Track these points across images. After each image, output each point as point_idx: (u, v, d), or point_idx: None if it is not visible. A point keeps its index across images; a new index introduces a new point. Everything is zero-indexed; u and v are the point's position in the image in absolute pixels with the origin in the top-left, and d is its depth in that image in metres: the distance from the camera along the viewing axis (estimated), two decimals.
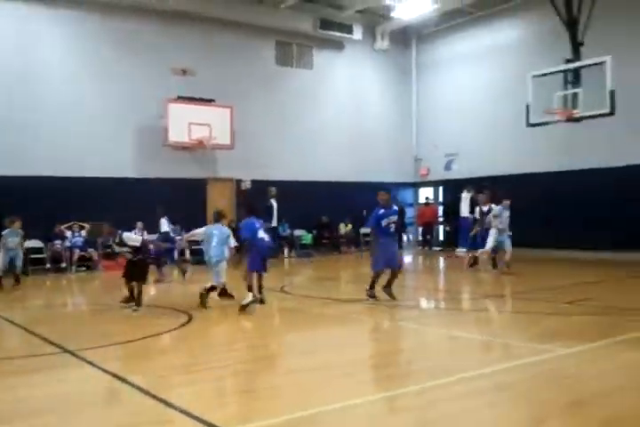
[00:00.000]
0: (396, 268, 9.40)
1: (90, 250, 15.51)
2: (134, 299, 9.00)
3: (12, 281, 12.05)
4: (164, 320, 8.11)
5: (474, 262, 14.06)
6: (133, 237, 9.19)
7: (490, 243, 12.83)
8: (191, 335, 7.44)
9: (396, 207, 9.64)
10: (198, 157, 18.24)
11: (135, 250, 9.05)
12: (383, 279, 9.35)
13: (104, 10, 16.91)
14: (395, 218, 9.41)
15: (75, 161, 16.18)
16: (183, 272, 13.10)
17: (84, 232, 15.61)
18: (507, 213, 12.87)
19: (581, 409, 4.35)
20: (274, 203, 16.54)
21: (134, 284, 9.04)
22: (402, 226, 21.75)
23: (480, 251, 13.36)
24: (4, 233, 12.25)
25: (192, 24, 18.25)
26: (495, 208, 13.07)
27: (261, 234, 9.05)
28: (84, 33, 16.75)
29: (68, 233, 15.52)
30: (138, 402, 4.76)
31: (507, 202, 12.94)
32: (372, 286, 9.39)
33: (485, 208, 13.82)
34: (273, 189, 16.56)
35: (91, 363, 5.90)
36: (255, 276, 9.13)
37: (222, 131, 17.84)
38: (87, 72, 16.78)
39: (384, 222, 9.26)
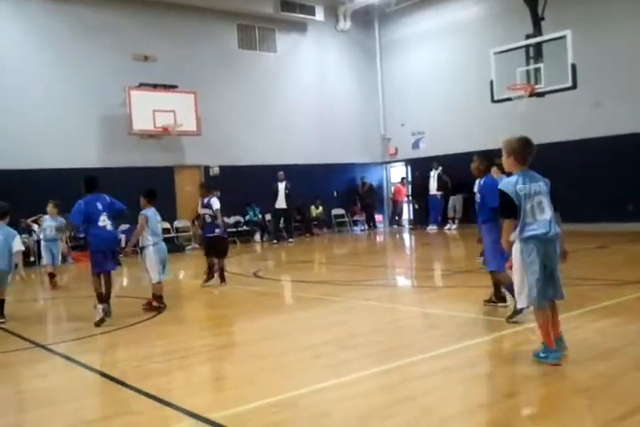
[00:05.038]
0: None
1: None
2: (212, 276, 9.85)
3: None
4: (136, 310, 8.04)
5: None
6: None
7: None
8: (164, 324, 7.39)
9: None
10: (164, 144, 18.03)
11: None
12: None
13: None
14: None
15: (37, 153, 15.84)
16: None
17: None
18: None
19: (555, 379, 4.43)
20: (280, 186, 18.05)
21: (215, 260, 9.84)
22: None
23: None
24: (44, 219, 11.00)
25: (153, 10, 17.92)
26: None
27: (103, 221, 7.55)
28: (42, 21, 16.33)
29: (35, 227, 15.27)
30: (113, 393, 4.74)
31: None
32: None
33: None
34: (281, 174, 18.18)
35: (64, 356, 5.85)
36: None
37: (187, 117, 17.63)
38: (47, 61, 16.41)
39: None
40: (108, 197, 7.74)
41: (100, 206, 7.52)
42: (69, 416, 4.31)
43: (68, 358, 5.79)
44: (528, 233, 4.62)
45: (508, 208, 4.66)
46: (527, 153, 4.74)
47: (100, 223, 7.48)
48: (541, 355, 4.69)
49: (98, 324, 7.11)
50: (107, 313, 7.26)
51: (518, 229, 4.64)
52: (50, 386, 5.07)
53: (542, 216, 4.61)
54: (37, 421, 4.20)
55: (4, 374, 5.45)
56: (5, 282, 7.81)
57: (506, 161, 4.81)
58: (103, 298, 7.40)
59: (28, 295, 10.89)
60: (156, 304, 7.94)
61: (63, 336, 6.95)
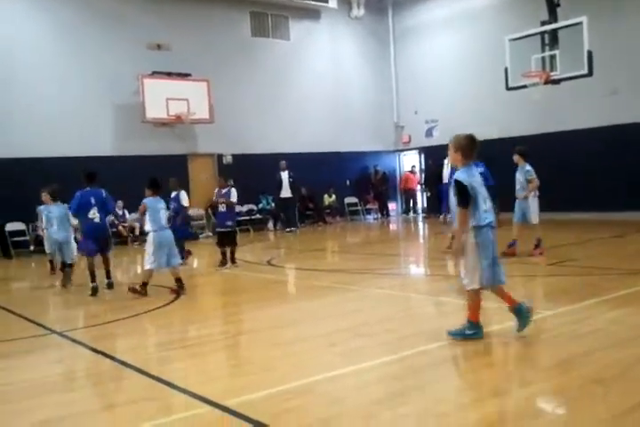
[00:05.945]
0: None
1: None
2: (225, 263, 10.70)
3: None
4: (152, 298, 8.11)
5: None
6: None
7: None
8: (179, 312, 7.47)
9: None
10: (178, 132, 18.07)
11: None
12: None
13: None
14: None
15: (52, 141, 15.93)
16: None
17: None
18: None
19: (569, 369, 4.42)
20: (284, 175, 17.80)
21: (227, 248, 10.72)
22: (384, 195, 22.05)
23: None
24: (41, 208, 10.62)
25: None
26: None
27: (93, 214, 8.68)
28: (55, 10, 16.36)
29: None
30: (130, 380, 4.79)
31: None
32: None
33: None
34: (283, 163, 17.88)
35: (80, 343, 5.92)
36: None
37: (200, 105, 17.66)
38: (60, 51, 16.45)
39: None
40: (104, 193, 8.90)
41: (92, 201, 8.71)
42: (86, 402, 4.38)
43: (83, 344, 5.86)
44: (485, 221, 4.99)
45: (466, 198, 4.98)
46: (472, 149, 5.13)
47: (90, 215, 8.69)
48: (468, 332, 5.13)
49: (90, 295, 8.54)
50: (94, 290, 8.55)
51: (475, 217, 4.97)
52: (66, 372, 5.14)
53: (487, 205, 5.05)
54: (54, 406, 4.26)
55: (22, 361, 5.53)
56: (67, 251, 9.59)
57: (453, 155, 5.16)
58: (94, 277, 8.66)
59: (45, 282, 10.99)
60: (137, 288, 8.24)
61: (78, 323, 7.04)
